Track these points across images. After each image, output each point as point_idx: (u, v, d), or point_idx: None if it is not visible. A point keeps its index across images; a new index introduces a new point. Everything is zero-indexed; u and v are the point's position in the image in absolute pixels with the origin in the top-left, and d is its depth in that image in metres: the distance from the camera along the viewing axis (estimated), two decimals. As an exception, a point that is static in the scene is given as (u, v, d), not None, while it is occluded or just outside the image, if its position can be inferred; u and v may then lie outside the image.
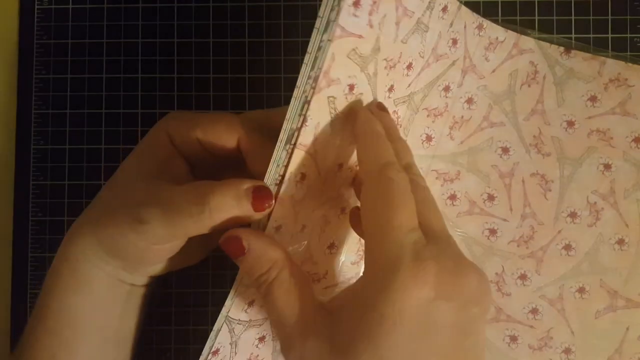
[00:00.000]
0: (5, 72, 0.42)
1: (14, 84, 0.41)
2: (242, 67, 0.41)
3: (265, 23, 0.41)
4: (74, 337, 0.31)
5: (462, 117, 0.39)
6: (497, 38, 0.39)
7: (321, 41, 0.26)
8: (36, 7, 0.41)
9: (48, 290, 0.32)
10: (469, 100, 0.39)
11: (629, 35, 0.41)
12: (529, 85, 0.39)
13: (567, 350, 0.39)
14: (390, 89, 0.33)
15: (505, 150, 0.40)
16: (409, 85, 0.34)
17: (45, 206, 0.41)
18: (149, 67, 0.41)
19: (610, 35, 0.41)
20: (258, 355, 0.34)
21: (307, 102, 0.27)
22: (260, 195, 0.28)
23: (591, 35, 0.40)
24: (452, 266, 0.25)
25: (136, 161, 0.33)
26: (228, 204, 0.28)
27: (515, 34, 0.39)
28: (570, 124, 0.39)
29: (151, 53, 0.41)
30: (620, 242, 0.39)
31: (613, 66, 0.39)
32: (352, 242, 0.35)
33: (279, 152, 0.28)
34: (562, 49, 0.39)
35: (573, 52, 0.39)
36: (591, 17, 0.41)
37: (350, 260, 0.35)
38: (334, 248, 0.34)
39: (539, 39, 0.40)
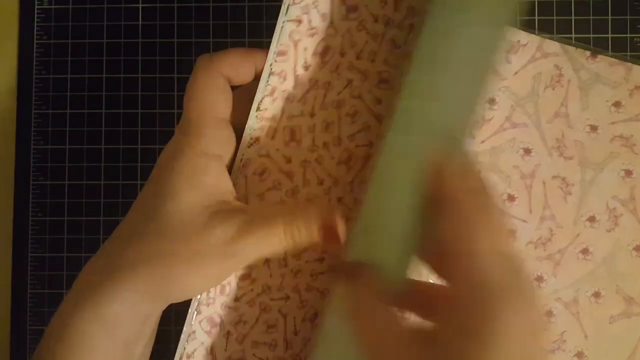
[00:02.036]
0: (6, 72, 0.42)
1: (14, 84, 0.42)
2: (242, 67, 0.41)
3: (265, 23, 0.41)
4: None
5: (483, 116, 0.39)
6: (519, 41, 0.39)
7: (283, 22, 0.31)
8: (36, 7, 0.42)
9: None
10: (491, 101, 0.39)
11: (629, 35, 0.40)
12: (553, 89, 0.39)
13: (580, 354, 0.39)
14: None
15: (527, 151, 0.39)
16: None
17: (45, 206, 0.41)
18: (149, 67, 0.41)
19: (610, 35, 0.40)
20: None
21: (271, 74, 0.31)
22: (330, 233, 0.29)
23: (591, 35, 0.40)
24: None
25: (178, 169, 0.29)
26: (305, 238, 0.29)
27: (538, 37, 0.39)
28: (594, 128, 0.39)
29: (151, 53, 0.41)
30: (638, 248, 0.38)
31: (639, 72, 0.38)
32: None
33: (251, 120, 0.31)
34: (588, 53, 0.39)
35: (599, 57, 0.39)
36: (591, 17, 0.40)
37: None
38: None
39: (562, 42, 0.39)
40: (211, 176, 0.29)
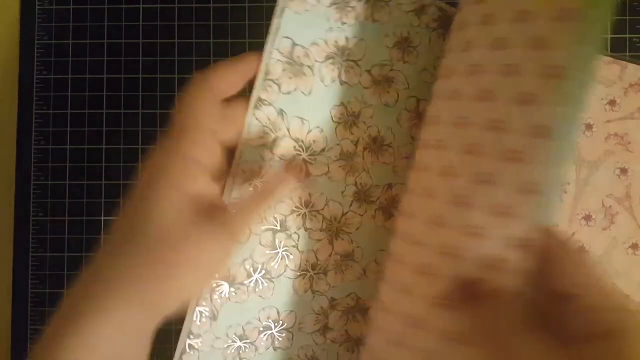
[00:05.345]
0: (7, 73, 0.42)
1: (15, 84, 0.42)
2: (243, 67, 0.41)
3: (265, 24, 0.41)
4: None
5: None
6: None
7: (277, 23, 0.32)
8: (37, 7, 0.42)
9: None
10: None
11: (628, 35, 0.40)
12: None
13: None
14: None
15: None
16: None
17: (46, 206, 0.41)
18: (150, 67, 0.41)
19: (609, 36, 0.40)
20: None
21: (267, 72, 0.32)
22: None
23: (591, 36, 0.40)
24: None
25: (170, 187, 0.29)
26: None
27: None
28: (589, 127, 0.39)
29: (152, 53, 0.41)
30: (634, 246, 0.39)
31: (634, 71, 0.39)
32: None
33: (249, 117, 0.32)
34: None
35: (594, 55, 0.39)
36: (591, 18, 0.40)
37: None
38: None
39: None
40: (194, 179, 0.29)
